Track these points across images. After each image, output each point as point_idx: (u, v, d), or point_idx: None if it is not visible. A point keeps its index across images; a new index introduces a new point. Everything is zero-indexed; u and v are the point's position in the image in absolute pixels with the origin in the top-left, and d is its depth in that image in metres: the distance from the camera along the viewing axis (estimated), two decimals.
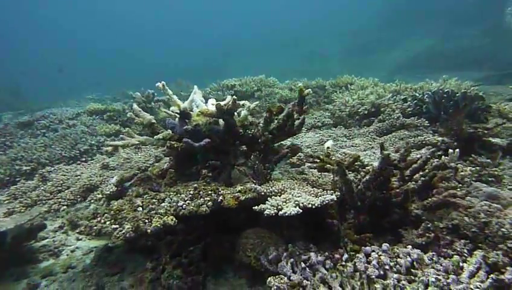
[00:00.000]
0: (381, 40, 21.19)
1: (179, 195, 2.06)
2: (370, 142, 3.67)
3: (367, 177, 1.93)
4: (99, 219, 1.88)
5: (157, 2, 48.25)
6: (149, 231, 1.73)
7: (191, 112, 2.55)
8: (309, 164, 2.88)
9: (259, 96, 6.85)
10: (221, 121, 2.43)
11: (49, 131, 5.86)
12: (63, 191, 2.70)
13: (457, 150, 2.54)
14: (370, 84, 6.65)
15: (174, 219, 1.79)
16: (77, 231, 3.40)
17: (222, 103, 2.23)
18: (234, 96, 2.25)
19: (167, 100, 2.51)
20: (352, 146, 3.57)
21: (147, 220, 1.81)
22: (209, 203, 1.88)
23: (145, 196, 2.12)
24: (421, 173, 2.12)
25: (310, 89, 2.32)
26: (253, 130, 2.36)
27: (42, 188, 2.77)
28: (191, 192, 2.05)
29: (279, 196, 2.01)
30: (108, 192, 2.26)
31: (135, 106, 2.76)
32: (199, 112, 2.54)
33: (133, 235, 1.71)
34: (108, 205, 2.52)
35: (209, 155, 2.49)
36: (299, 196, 1.90)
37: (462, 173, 2.31)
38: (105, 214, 1.92)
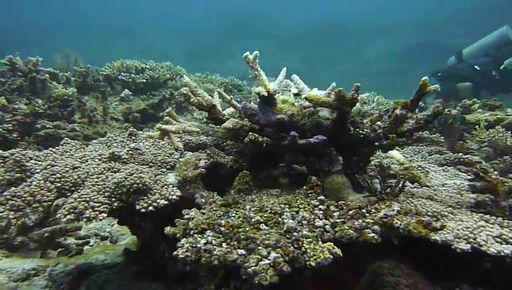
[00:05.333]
0: (217, 49, 22.53)
1: (296, 209, 1.39)
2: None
3: None
4: (206, 237, 1.15)
5: None
6: (313, 264, 1.05)
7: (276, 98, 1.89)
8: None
9: (174, 86, 5.81)
10: (325, 114, 1.82)
11: None
12: (67, 189, 1.82)
13: None
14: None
15: (338, 249, 1.13)
16: None
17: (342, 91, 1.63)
18: (358, 84, 1.66)
19: (253, 77, 1.83)
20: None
21: (292, 247, 1.12)
22: (376, 227, 1.24)
23: (247, 207, 1.41)
24: None
25: (437, 86, 1.81)
26: (366, 130, 1.77)
27: (34, 183, 1.87)
28: (320, 207, 1.39)
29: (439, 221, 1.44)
30: (174, 197, 1.50)
31: (187, 78, 2.02)
32: (284, 99, 1.90)
33: (289, 271, 1.02)
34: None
35: (299, 157, 1.85)
36: (483, 226, 1.35)
37: None
38: (209, 231, 1.19)
